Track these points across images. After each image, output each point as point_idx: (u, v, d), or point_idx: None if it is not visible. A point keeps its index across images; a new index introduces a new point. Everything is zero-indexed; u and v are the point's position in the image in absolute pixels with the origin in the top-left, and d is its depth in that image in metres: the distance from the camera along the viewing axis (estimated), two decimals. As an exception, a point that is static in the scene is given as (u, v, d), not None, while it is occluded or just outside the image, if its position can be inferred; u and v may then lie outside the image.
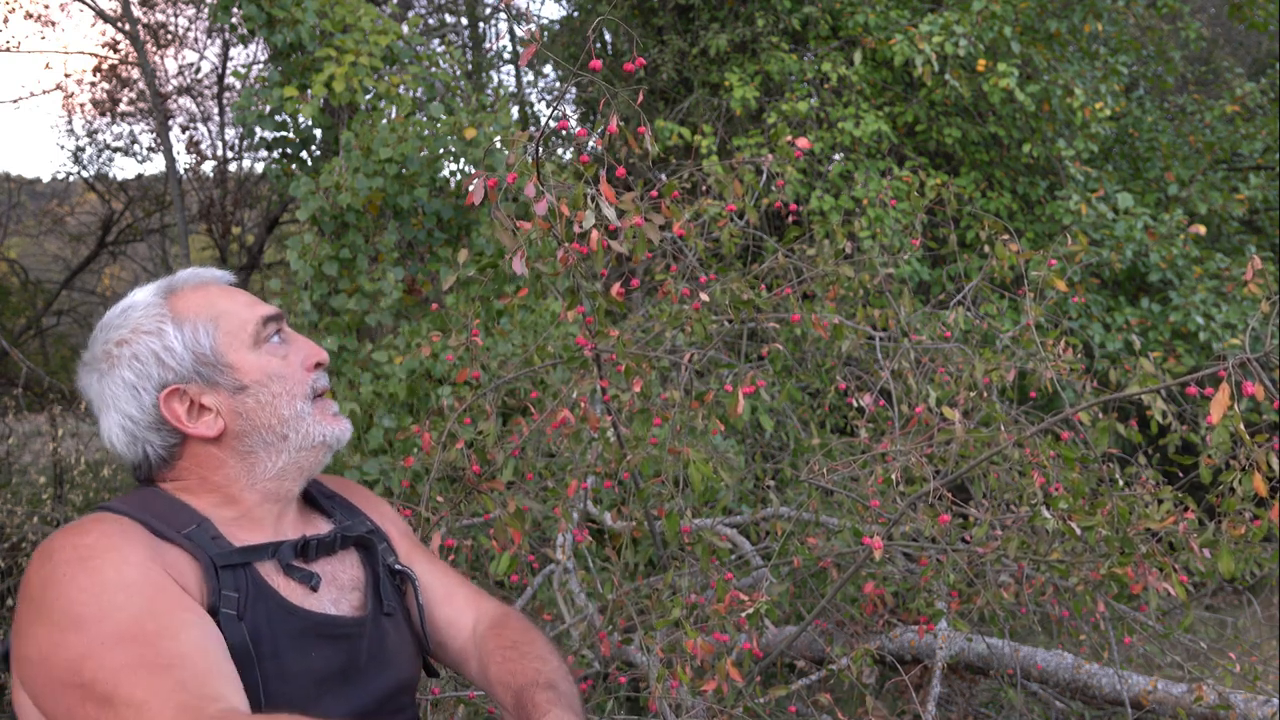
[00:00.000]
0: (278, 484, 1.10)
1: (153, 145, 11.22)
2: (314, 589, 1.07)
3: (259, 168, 11.12)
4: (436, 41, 10.32)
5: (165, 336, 1.06)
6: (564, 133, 7.29)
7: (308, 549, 1.09)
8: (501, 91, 6.85)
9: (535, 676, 1.11)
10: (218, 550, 1.00)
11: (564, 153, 7.49)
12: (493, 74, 9.98)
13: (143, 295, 1.10)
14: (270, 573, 1.04)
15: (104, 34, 13.12)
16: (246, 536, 1.05)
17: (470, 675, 1.24)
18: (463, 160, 5.05)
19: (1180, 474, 3.20)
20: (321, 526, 1.16)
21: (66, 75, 14.21)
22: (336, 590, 1.10)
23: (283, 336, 1.13)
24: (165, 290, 1.11)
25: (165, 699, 0.83)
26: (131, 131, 11.24)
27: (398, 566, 1.19)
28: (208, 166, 11.21)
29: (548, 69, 9.01)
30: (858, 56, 6.22)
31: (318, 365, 1.14)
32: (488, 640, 1.21)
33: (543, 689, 1.11)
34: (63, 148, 24.82)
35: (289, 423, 1.09)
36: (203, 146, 11.13)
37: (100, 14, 9.87)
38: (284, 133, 5.46)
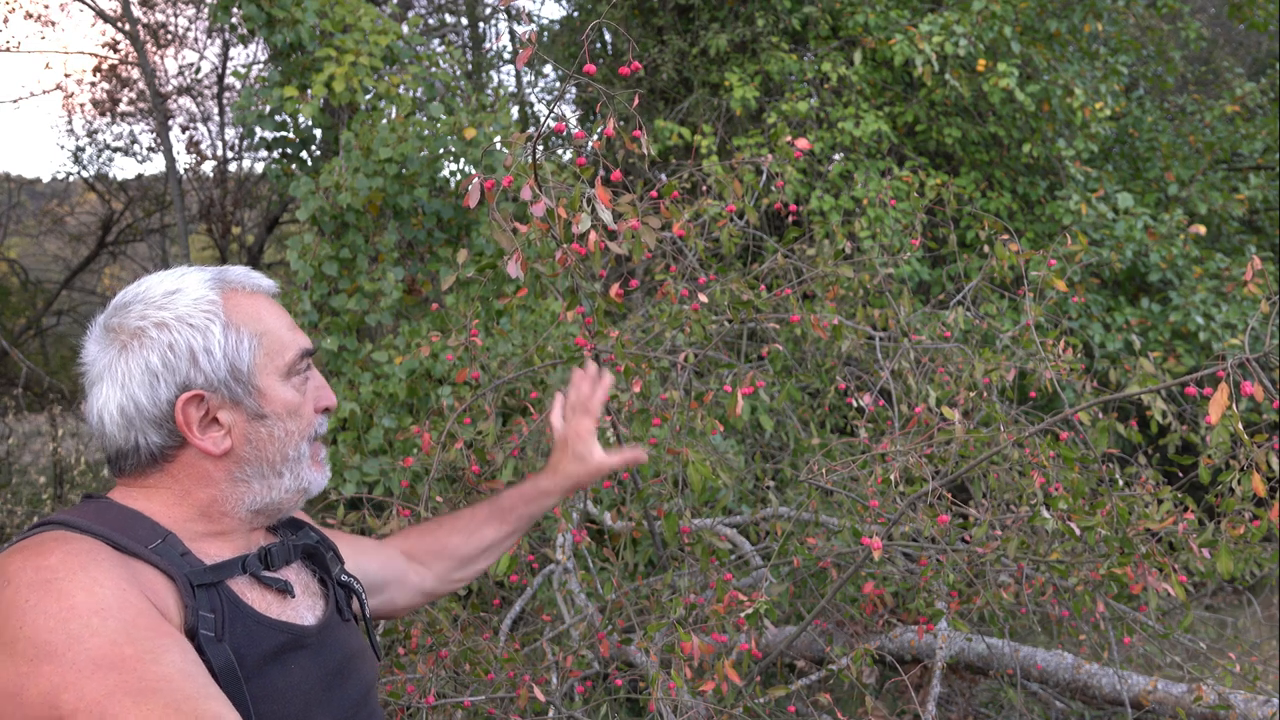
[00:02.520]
0: (257, 518, 1.06)
1: (153, 145, 11.24)
2: (291, 595, 1.04)
3: (259, 168, 11.14)
4: (436, 41, 10.32)
5: (210, 337, 0.99)
6: (563, 134, 7.29)
7: (270, 558, 1.05)
8: (501, 91, 6.85)
9: (486, 502, 1.44)
10: (190, 568, 0.94)
11: (564, 153, 7.49)
12: (493, 74, 9.98)
13: (194, 281, 1.02)
14: (242, 588, 1.00)
15: (104, 34, 13.14)
16: (215, 552, 1.01)
17: (432, 575, 1.41)
18: (463, 160, 5.05)
19: (1180, 474, 3.20)
20: (270, 538, 1.12)
21: (66, 75, 14.24)
22: (307, 598, 1.08)
23: (308, 372, 1.10)
24: (219, 284, 1.03)
25: None
26: (131, 131, 11.27)
27: (344, 578, 1.16)
28: (208, 166, 11.23)
29: (548, 69, 9.01)
30: (858, 56, 6.22)
31: (326, 410, 1.10)
32: (416, 538, 1.41)
33: (502, 496, 1.46)
34: (63, 148, 24.84)
35: (290, 463, 1.05)
36: (203, 146, 11.15)
37: (100, 14, 9.88)
38: (284, 133, 5.47)
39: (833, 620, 3.54)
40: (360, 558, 1.29)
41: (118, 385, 0.98)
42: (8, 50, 10.47)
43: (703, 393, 3.01)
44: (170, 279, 1.03)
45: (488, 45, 10.26)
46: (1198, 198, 6.27)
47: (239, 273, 1.06)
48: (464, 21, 10.64)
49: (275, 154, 5.63)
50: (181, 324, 0.99)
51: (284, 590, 1.04)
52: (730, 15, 6.82)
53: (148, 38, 10.28)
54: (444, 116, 5.14)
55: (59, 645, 0.81)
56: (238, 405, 1.01)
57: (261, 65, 9.65)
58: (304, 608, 1.06)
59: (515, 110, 8.33)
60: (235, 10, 5.33)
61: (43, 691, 0.79)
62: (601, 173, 1.80)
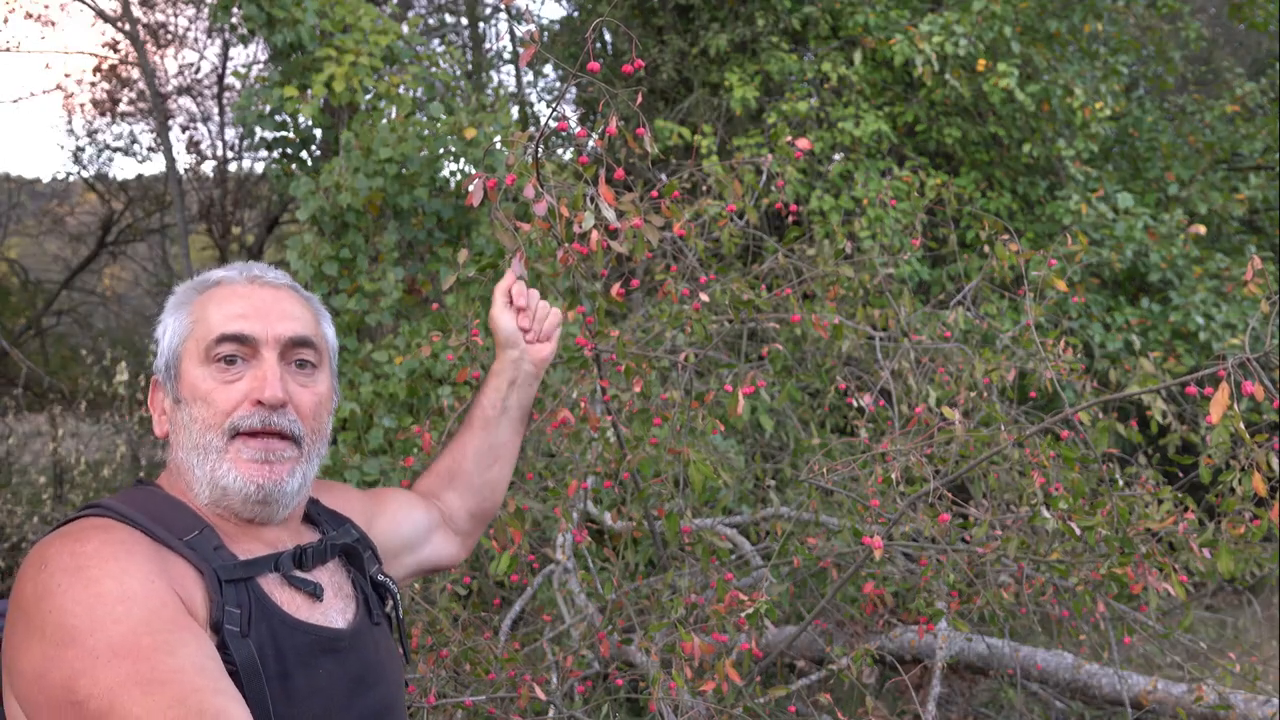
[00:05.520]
0: (221, 507, 1.03)
1: (153, 145, 11.23)
2: (319, 598, 1.03)
3: (259, 168, 11.13)
4: (436, 41, 10.32)
5: (164, 326, 1.08)
6: (564, 133, 7.29)
7: (303, 558, 1.05)
8: (501, 91, 6.85)
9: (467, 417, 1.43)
10: (221, 563, 0.96)
11: (564, 153, 7.49)
12: (493, 74, 9.99)
13: (189, 283, 1.12)
14: (272, 587, 1.00)
15: (104, 34, 13.15)
16: (248, 547, 1.01)
17: (458, 512, 1.40)
18: (463, 160, 5.05)
19: (1180, 474, 3.20)
20: (311, 534, 1.12)
21: (66, 75, 14.30)
22: (337, 600, 1.07)
23: (254, 361, 1.05)
24: (205, 284, 1.10)
25: (161, 716, 0.79)
26: (131, 131, 11.24)
27: (380, 577, 1.15)
28: (208, 166, 11.22)
29: (548, 69, 9.01)
30: (858, 56, 6.21)
31: (258, 403, 1.03)
32: (429, 480, 1.41)
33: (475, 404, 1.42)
34: (63, 148, 24.83)
35: (200, 451, 1.03)
36: (203, 146, 11.14)
37: (100, 14, 9.86)
38: (284, 133, 5.46)
39: (833, 620, 3.54)
40: (412, 510, 1.33)
41: None
42: (8, 50, 10.45)
43: (703, 392, 3.01)
44: None
45: (488, 45, 10.26)
46: (1198, 198, 6.27)
47: (229, 268, 1.12)
48: (464, 21, 10.64)
49: (275, 154, 5.62)
50: (161, 318, 1.11)
51: (314, 593, 1.03)
52: (730, 15, 6.82)
53: (148, 38, 10.27)
54: (444, 116, 5.14)
55: (82, 631, 0.83)
56: (167, 389, 1.07)
57: (261, 65, 9.65)
58: (334, 610, 1.05)
59: (515, 110, 8.33)
60: (235, 10, 5.33)
61: (64, 675, 0.82)
62: (604, 171, 1.80)
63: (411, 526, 1.31)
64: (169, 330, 1.07)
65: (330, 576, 1.09)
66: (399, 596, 1.18)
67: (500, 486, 1.44)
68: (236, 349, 1.04)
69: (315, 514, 1.15)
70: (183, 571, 0.93)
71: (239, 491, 1.02)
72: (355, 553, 1.13)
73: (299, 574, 1.03)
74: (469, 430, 1.42)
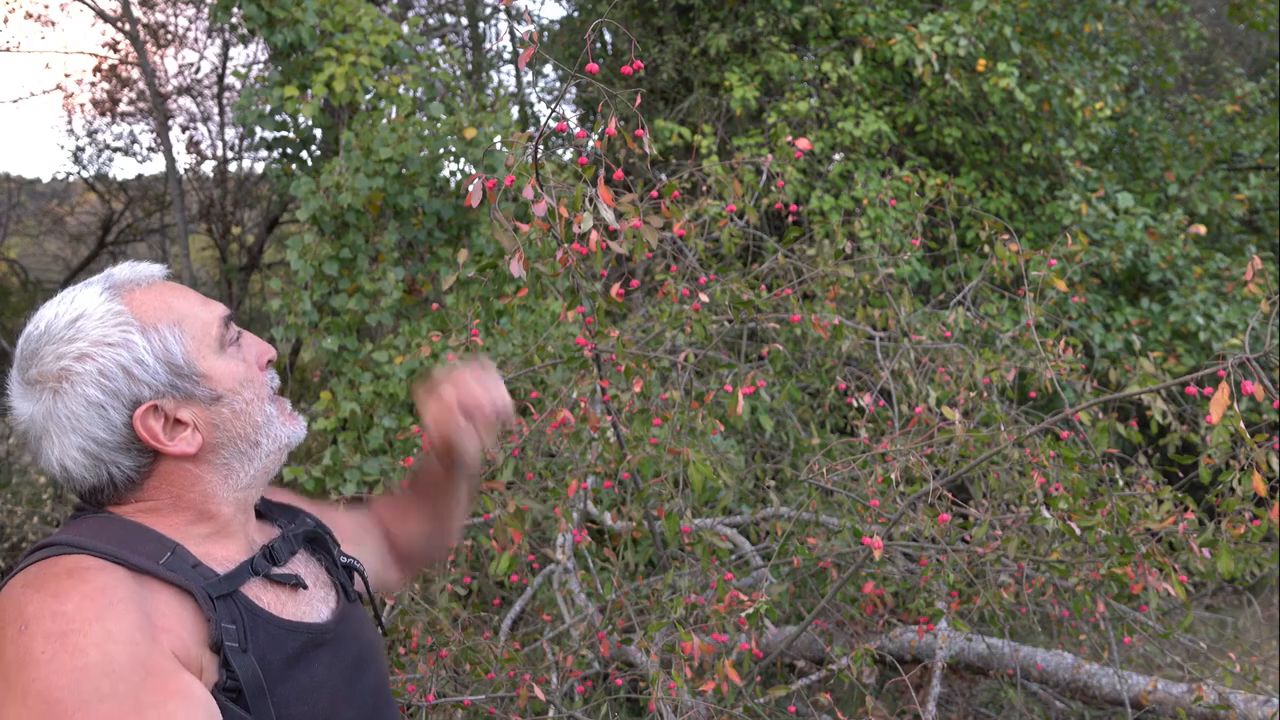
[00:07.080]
0: (248, 492, 1.05)
1: (153, 145, 11.22)
2: (304, 587, 1.05)
3: (259, 168, 11.12)
4: (436, 41, 10.31)
5: (134, 348, 0.96)
6: (563, 133, 7.28)
7: (274, 554, 1.04)
8: (501, 91, 6.85)
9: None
10: (204, 581, 0.94)
11: (564, 153, 7.49)
12: (493, 74, 9.98)
13: (89, 299, 0.98)
14: (256, 592, 0.99)
15: (104, 34, 13.14)
16: (223, 554, 1.00)
17: (398, 537, 1.39)
18: (463, 160, 5.05)
19: (1180, 474, 3.20)
20: (269, 529, 1.12)
21: (66, 75, 14.26)
22: (318, 589, 1.08)
23: (240, 338, 1.08)
24: (115, 292, 0.99)
25: None
26: (131, 131, 11.24)
27: (344, 559, 1.16)
28: (208, 166, 11.21)
29: (548, 69, 9.01)
30: (858, 56, 6.21)
31: (270, 363, 1.08)
32: (389, 508, 1.39)
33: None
34: (63, 148, 24.81)
35: (262, 428, 1.04)
36: (203, 146, 11.13)
37: (100, 14, 9.86)
38: (284, 133, 5.47)
39: (833, 620, 3.54)
40: (363, 536, 1.32)
41: (68, 430, 0.96)
42: (8, 50, 10.46)
43: (703, 393, 3.01)
44: (65, 307, 0.98)
45: (488, 45, 10.26)
46: (1198, 198, 6.27)
47: (126, 271, 1.02)
48: (464, 21, 10.64)
49: (275, 154, 5.62)
50: (100, 347, 0.96)
51: (296, 585, 1.04)
52: (730, 15, 6.82)
53: (148, 38, 10.27)
54: (444, 116, 5.14)
55: (69, 708, 0.80)
56: (191, 399, 0.99)
57: (261, 65, 9.64)
58: (317, 600, 1.07)
59: (515, 110, 8.33)
60: (235, 10, 5.33)
61: None
62: (603, 172, 1.80)
63: (357, 551, 1.29)
64: (153, 349, 0.97)
65: (304, 567, 1.09)
66: (365, 573, 1.20)
67: (449, 542, 1.44)
68: (234, 327, 1.07)
69: (265, 509, 1.15)
70: (168, 601, 0.91)
71: (297, 440, 1.08)
72: (319, 538, 1.14)
73: (279, 571, 1.03)
74: (422, 517, 1.38)
